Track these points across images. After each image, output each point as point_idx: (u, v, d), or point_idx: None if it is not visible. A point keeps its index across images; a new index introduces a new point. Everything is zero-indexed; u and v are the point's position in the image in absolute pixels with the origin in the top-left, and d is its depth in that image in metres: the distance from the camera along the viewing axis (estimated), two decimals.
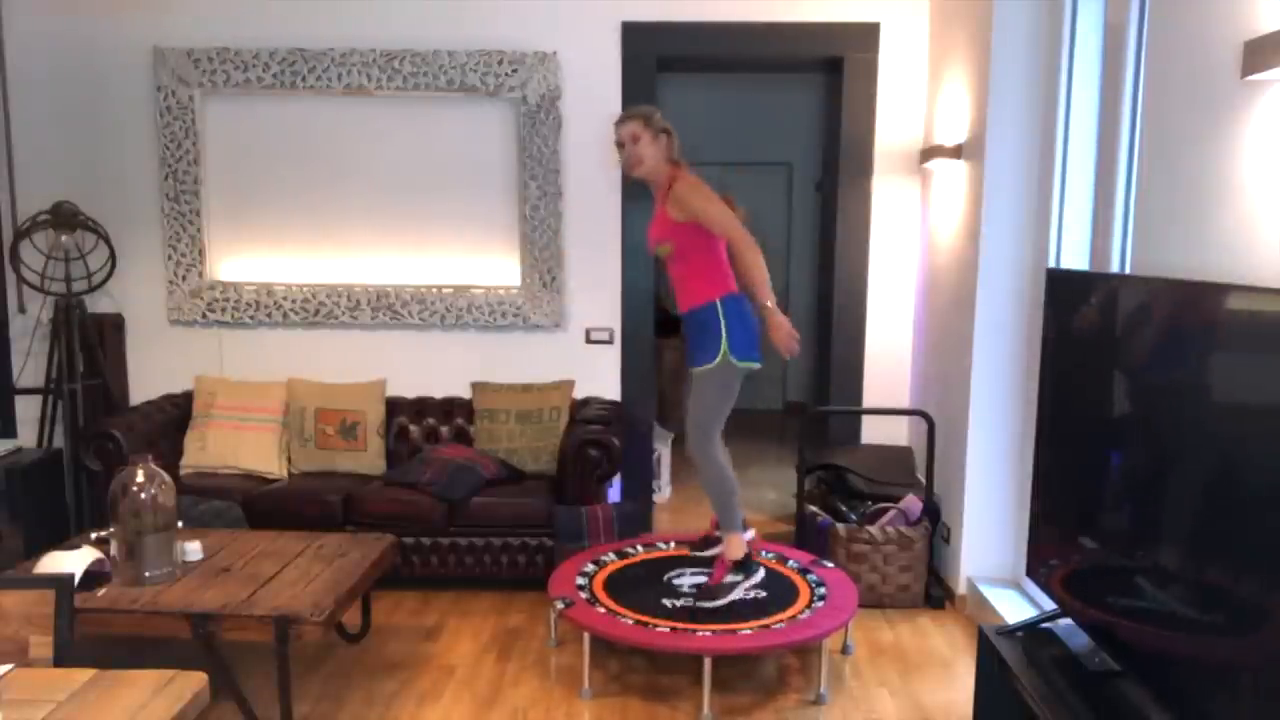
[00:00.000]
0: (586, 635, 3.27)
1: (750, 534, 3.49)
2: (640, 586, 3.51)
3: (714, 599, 3.32)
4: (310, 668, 3.44)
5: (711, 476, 3.37)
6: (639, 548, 3.90)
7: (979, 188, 3.80)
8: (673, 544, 3.94)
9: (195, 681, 1.75)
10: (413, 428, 4.65)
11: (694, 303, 3.32)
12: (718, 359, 3.26)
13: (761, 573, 3.32)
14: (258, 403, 4.53)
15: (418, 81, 4.59)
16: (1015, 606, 3.59)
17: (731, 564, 3.37)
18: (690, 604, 3.35)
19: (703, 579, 3.53)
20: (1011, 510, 3.83)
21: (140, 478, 3.01)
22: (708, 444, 3.35)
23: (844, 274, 4.82)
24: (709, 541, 3.68)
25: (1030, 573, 2.87)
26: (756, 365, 3.33)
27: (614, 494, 4.56)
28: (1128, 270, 3.02)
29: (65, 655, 1.88)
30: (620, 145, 3.35)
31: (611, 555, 3.81)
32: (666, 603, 3.38)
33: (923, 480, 4.32)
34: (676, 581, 3.56)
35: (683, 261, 3.32)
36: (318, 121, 4.71)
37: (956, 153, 4.07)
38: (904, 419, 4.84)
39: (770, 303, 3.22)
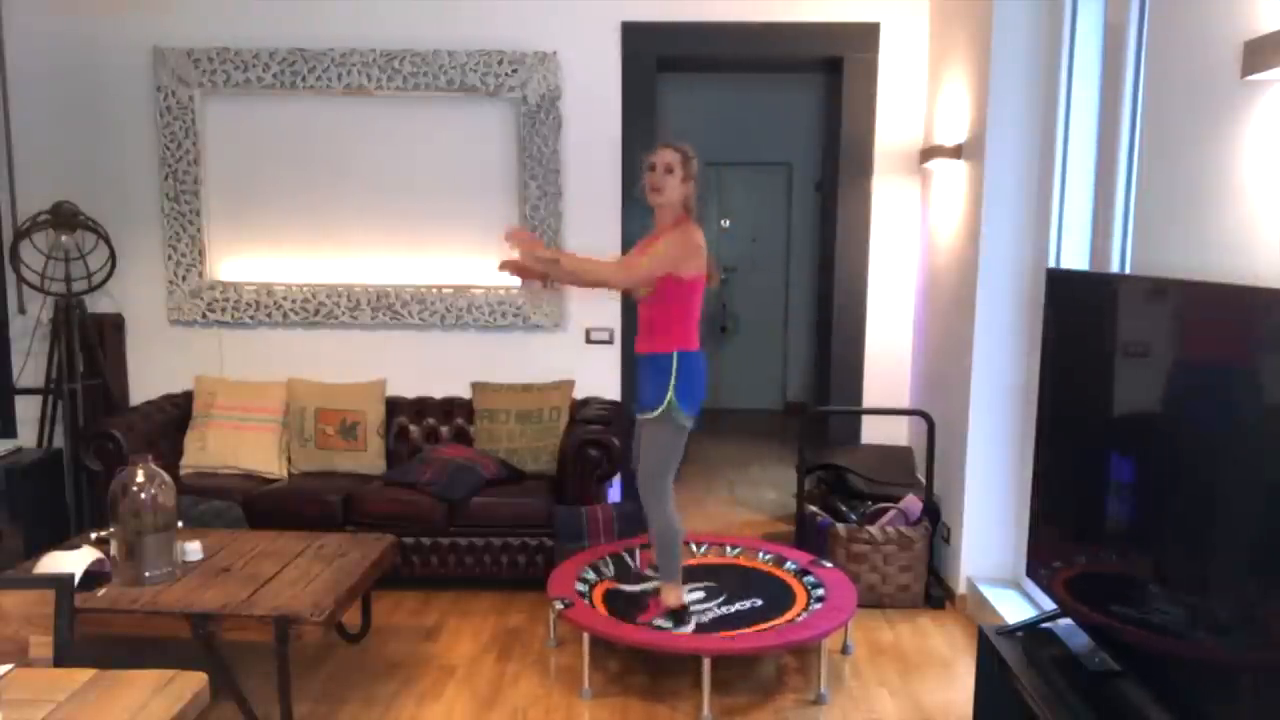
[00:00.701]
0: (586, 635, 3.27)
1: (687, 596, 3.47)
2: (638, 603, 3.47)
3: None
4: (310, 668, 3.44)
5: (659, 525, 3.35)
6: (638, 551, 3.88)
7: (979, 188, 3.80)
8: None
9: (195, 681, 1.75)
10: (413, 428, 4.65)
11: (653, 349, 3.31)
12: (662, 408, 3.25)
13: (691, 627, 3.30)
14: (258, 403, 4.53)
15: (418, 81, 4.59)
16: (1015, 606, 3.59)
17: (666, 610, 3.34)
18: (714, 613, 3.34)
19: (699, 594, 3.52)
20: (1011, 510, 3.83)
21: (140, 478, 3.01)
22: (658, 494, 3.33)
23: (844, 274, 4.82)
24: (641, 577, 3.66)
25: (1030, 573, 2.87)
26: (690, 420, 3.31)
27: (614, 494, 4.56)
28: (1128, 270, 3.03)
29: (65, 655, 1.88)
30: (651, 168, 3.30)
31: (611, 568, 3.77)
32: (658, 623, 3.33)
33: (923, 480, 4.32)
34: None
35: (657, 307, 3.29)
36: (318, 121, 4.71)
37: (956, 153, 4.07)
38: (904, 419, 4.84)
39: (555, 254, 3.37)
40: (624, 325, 4.77)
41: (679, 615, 3.31)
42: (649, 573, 3.63)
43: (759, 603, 3.44)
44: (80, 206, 4.58)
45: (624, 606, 3.44)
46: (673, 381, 3.24)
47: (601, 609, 3.42)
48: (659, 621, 3.29)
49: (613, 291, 4.36)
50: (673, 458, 3.34)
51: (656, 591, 3.42)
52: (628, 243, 4.70)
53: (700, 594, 3.51)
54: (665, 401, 3.25)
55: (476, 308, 4.73)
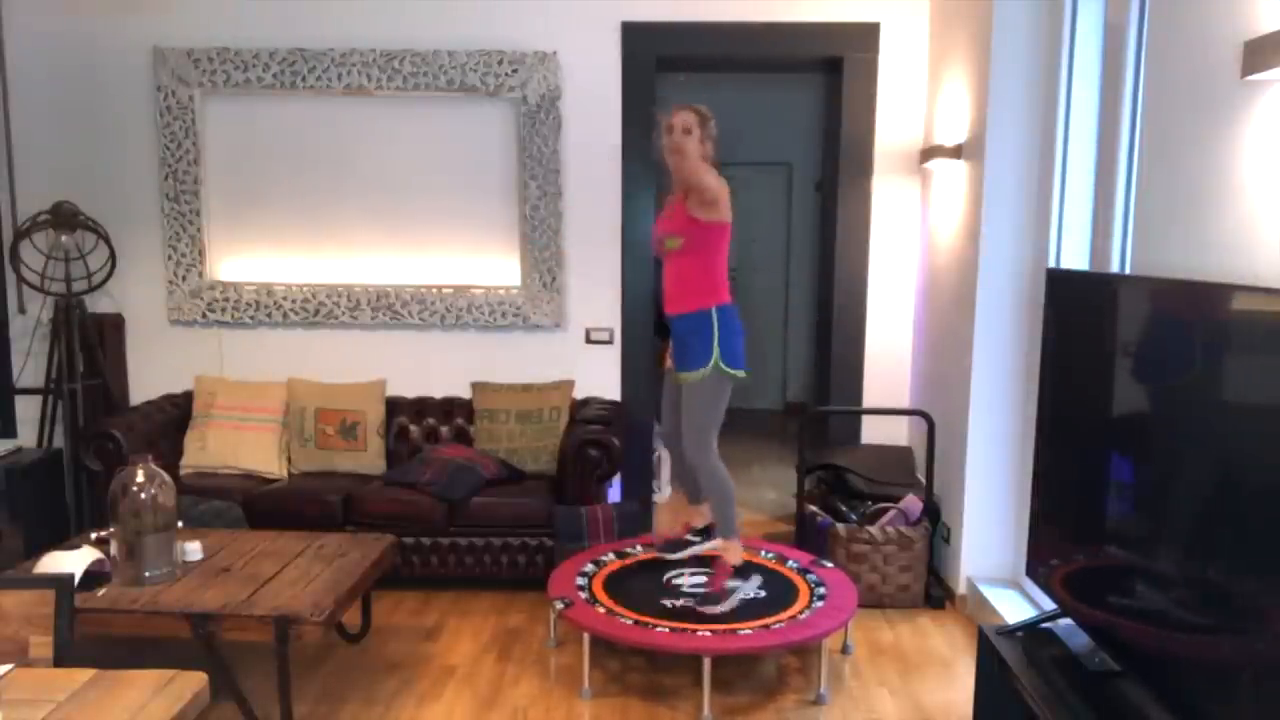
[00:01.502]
0: (586, 635, 3.27)
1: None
2: (640, 587, 3.51)
3: (717, 604, 3.32)
4: (310, 668, 3.44)
5: (713, 483, 3.37)
6: (638, 548, 3.89)
7: (979, 188, 3.80)
8: None
9: (195, 681, 1.75)
10: (413, 428, 4.65)
11: (688, 307, 3.32)
12: (709, 367, 3.26)
13: (757, 577, 3.32)
14: (258, 403, 4.53)
15: (418, 81, 4.59)
16: (1015, 606, 3.59)
17: (732, 569, 3.36)
18: (691, 604, 3.35)
19: (703, 578, 3.53)
20: (1011, 510, 3.83)
21: (140, 478, 3.00)
22: (707, 450, 3.36)
23: (844, 274, 4.82)
24: (679, 544, 3.68)
25: (1030, 573, 2.87)
26: (743, 375, 3.34)
27: (614, 494, 4.56)
28: (1128, 270, 3.03)
29: (65, 655, 1.88)
30: (669, 130, 3.29)
31: (611, 555, 3.81)
32: (666, 603, 3.38)
33: (923, 480, 4.32)
34: (676, 582, 3.56)
35: (687, 258, 3.29)
36: (318, 121, 4.71)
37: (956, 153, 4.07)
38: (904, 419, 4.84)
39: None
40: (624, 325, 4.77)
41: (742, 570, 3.32)
42: (690, 537, 3.63)
43: (763, 594, 3.44)
44: (80, 206, 4.58)
45: (627, 592, 3.43)
46: (716, 339, 3.25)
47: (603, 597, 3.42)
48: (730, 583, 3.28)
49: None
50: (719, 413, 3.35)
51: (714, 560, 3.42)
52: (627, 242, 4.70)
53: (702, 579, 3.52)
54: (711, 362, 3.24)
55: (476, 308, 4.73)
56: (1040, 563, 2.79)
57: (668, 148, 3.29)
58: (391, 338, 4.81)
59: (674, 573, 3.63)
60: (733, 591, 3.29)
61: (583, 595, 3.43)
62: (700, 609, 3.31)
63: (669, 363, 3.53)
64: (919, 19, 4.61)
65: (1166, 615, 2.13)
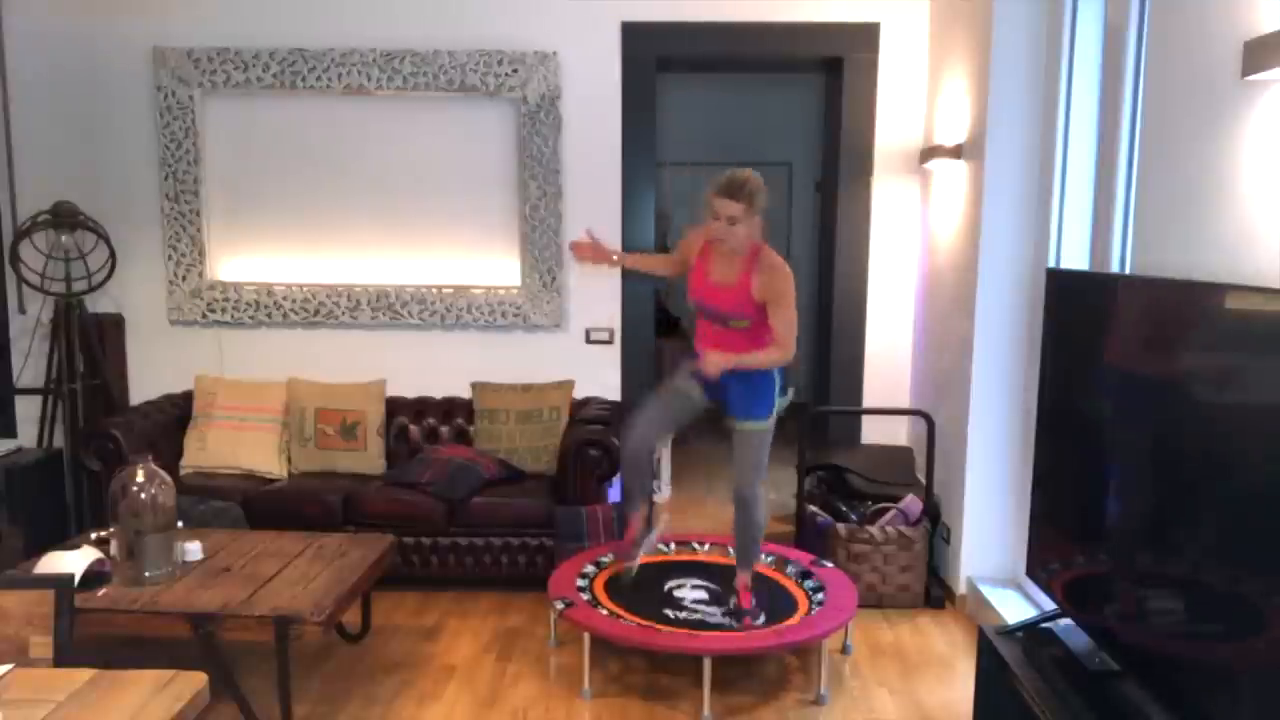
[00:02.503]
0: (586, 635, 3.27)
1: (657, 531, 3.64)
2: (641, 596, 3.48)
3: (756, 619, 3.35)
4: (310, 668, 3.44)
5: (758, 517, 3.42)
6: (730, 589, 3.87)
7: (979, 188, 3.80)
8: (673, 546, 3.94)
9: (195, 681, 1.75)
10: (413, 428, 4.65)
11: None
12: (770, 418, 3.36)
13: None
14: (258, 403, 4.53)
15: (418, 81, 4.59)
16: (1015, 606, 3.59)
17: (747, 588, 3.44)
18: (706, 618, 3.37)
19: (703, 594, 3.53)
20: (1011, 510, 3.82)
21: (140, 478, 3.01)
22: (760, 486, 3.42)
23: (844, 274, 4.82)
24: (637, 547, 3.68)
25: (1030, 573, 2.87)
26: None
27: (614, 494, 4.55)
28: (1128, 270, 3.03)
29: (65, 655, 1.88)
30: (715, 217, 3.23)
31: (612, 557, 3.80)
32: (669, 613, 3.37)
33: (923, 480, 4.32)
34: (678, 594, 3.54)
35: (754, 334, 3.36)
36: (318, 121, 4.71)
37: (956, 153, 4.07)
38: (904, 419, 4.84)
39: (734, 362, 3.24)
40: (624, 325, 4.78)
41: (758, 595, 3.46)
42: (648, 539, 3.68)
43: (762, 619, 3.43)
44: (80, 206, 4.57)
45: (628, 601, 3.43)
46: (776, 392, 3.40)
47: (605, 602, 3.41)
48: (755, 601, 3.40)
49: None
50: (768, 450, 3.43)
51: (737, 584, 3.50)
52: (627, 243, 4.70)
53: (704, 594, 3.51)
54: (772, 413, 3.37)
55: (476, 308, 4.73)
56: (1040, 563, 2.79)
57: (714, 233, 3.26)
58: (391, 338, 4.81)
59: (675, 583, 3.62)
60: (761, 610, 3.35)
61: (584, 597, 3.43)
62: (744, 622, 3.33)
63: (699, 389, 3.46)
64: (919, 19, 4.61)
65: (1166, 616, 2.13)
